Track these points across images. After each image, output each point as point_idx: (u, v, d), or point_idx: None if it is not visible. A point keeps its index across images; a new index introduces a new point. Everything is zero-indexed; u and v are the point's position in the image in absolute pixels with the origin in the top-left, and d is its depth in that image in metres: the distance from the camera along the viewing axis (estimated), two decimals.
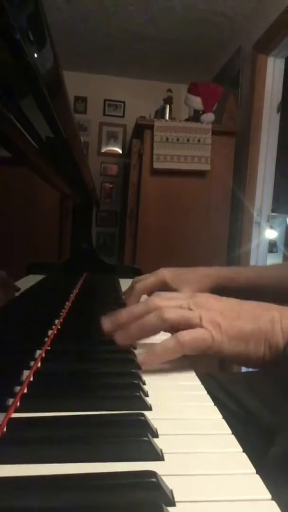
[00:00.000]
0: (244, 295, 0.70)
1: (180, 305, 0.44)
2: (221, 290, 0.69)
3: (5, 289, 0.63)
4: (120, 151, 3.88)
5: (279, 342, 0.41)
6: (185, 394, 0.37)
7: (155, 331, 0.44)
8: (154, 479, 0.23)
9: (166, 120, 2.56)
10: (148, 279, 0.70)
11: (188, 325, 0.42)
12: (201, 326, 0.42)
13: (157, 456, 0.27)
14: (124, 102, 3.85)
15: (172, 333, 0.43)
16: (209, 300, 0.45)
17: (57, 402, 0.33)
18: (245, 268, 0.82)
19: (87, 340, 0.53)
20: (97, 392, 0.35)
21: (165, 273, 0.69)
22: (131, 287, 0.72)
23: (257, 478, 0.25)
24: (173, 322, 0.42)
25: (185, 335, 0.41)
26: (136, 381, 0.36)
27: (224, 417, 0.33)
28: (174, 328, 0.43)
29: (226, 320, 0.42)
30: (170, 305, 0.44)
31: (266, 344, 0.41)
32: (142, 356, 0.42)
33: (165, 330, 0.44)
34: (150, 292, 0.73)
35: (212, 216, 2.44)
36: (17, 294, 0.70)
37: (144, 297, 0.77)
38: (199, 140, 2.35)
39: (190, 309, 0.44)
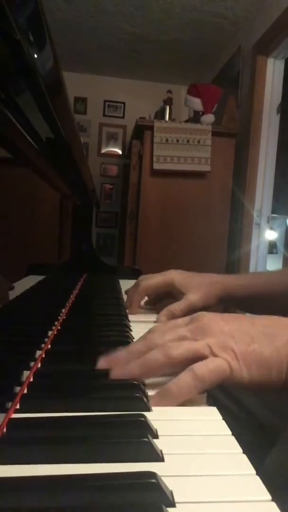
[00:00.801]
0: (253, 303, 0.69)
1: (183, 336, 0.39)
2: (229, 297, 0.68)
3: None
4: (120, 152, 3.88)
5: None
6: None
7: (159, 370, 0.38)
8: (154, 480, 0.22)
9: (166, 121, 2.57)
10: (154, 278, 0.68)
11: (197, 359, 0.36)
12: (213, 355, 0.36)
13: (157, 457, 0.26)
14: (124, 103, 3.85)
15: (178, 370, 0.37)
16: (215, 322, 0.39)
17: (57, 402, 0.33)
18: (253, 275, 0.79)
19: (87, 340, 0.53)
20: (97, 393, 0.35)
21: (174, 276, 0.67)
22: (136, 285, 0.71)
23: (257, 479, 0.25)
24: (180, 358, 0.37)
25: (203, 368, 0.35)
26: (136, 382, 0.36)
27: (224, 418, 0.33)
28: (180, 365, 0.37)
29: (240, 345, 0.37)
30: (173, 338, 0.39)
31: None
32: (155, 400, 0.35)
33: (170, 369, 0.38)
34: (154, 292, 0.72)
35: (212, 217, 2.44)
36: (11, 292, 0.70)
37: (146, 302, 0.77)
38: (199, 141, 2.35)
39: (195, 338, 0.38)
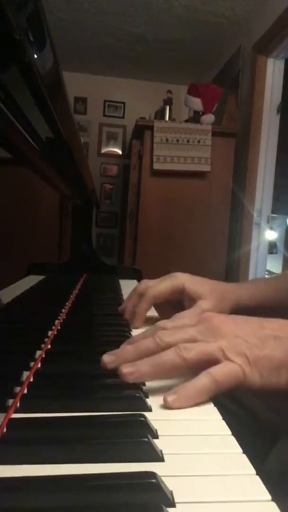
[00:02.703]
0: (262, 311, 0.67)
1: (194, 337, 0.38)
2: (239, 307, 0.63)
3: None
4: (120, 152, 3.88)
5: None
6: None
7: (170, 372, 0.37)
8: (154, 480, 0.22)
9: (166, 121, 2.57)
10: (162, 284, 0.60)
11: (209, 361, 0.36)
12: (226, 359, 0.36)
13: (157, 457, 0.26)
14: (124, 103, 3.85)
15: (187, 373, 0.37)
16: (225, 324, 0.39)
17: (57, 402, 0.33)
18: (260, 283, 0.73)
19: (87, 340, 0.53)
20: (97, 393, 0.35)
21: (184, 279, 0.60)
22: (139, 293, 0.62)
23: (257, 479, 0.25)
24: (195, 361, 0.36)
25: (218, 372, 0.35)
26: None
27: (224, 418, 0.33)
28: (192, 367, 0.37)
29: (252, 350, 0.37)
30: (184, 339, 0.38)
31: None
32: (172, 398, 0.35)
33: (180, 371, 0.38)
34: (164, 300, 0.63)
35: (212, 217, 2.44)
36: (11, 291, 0.70)
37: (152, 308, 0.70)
38: (199, 141, 2.35)
39: (206, 340, 0.38)
